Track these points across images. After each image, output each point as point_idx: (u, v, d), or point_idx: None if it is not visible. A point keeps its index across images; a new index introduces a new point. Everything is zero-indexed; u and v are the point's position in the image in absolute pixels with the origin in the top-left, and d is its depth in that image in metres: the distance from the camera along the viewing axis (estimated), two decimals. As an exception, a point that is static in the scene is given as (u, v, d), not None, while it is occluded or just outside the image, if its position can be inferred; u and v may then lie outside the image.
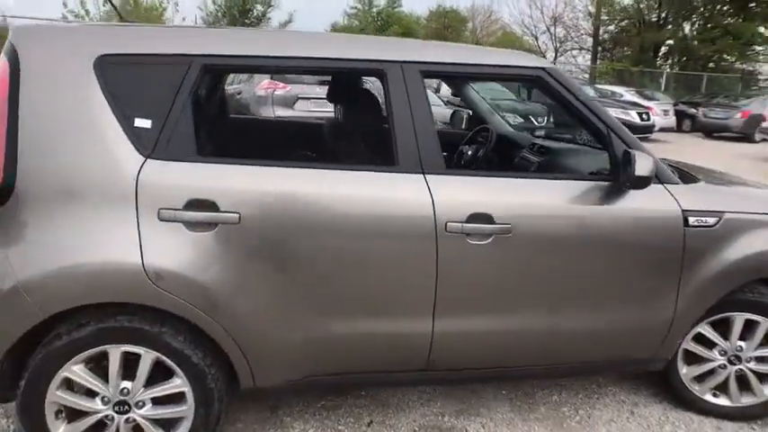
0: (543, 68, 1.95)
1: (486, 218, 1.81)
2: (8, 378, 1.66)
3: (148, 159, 1.64)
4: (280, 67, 2.18)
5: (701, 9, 18.55)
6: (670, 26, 19.26)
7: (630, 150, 1.82)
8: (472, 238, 1.81)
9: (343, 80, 2.64)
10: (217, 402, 1.78)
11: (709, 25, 18.18)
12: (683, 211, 1.98)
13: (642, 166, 1.78)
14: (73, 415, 1.73)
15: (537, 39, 22.94)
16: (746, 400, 2.27)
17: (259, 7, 23.75)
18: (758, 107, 13.86)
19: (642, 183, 1.82)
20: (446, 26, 31.48)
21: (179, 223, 1.64)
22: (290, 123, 3.57)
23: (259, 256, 1.69)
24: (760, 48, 18.40)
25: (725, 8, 18.33)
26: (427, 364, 1.93)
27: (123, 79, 1.66)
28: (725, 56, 18.91)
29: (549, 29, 22.54)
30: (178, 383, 1.73)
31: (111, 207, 1.62)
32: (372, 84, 3.92)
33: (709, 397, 2.30)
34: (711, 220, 2.01)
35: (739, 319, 2.16)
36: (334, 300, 1.79)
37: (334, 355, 1.86)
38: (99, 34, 1.79)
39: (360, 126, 2.42)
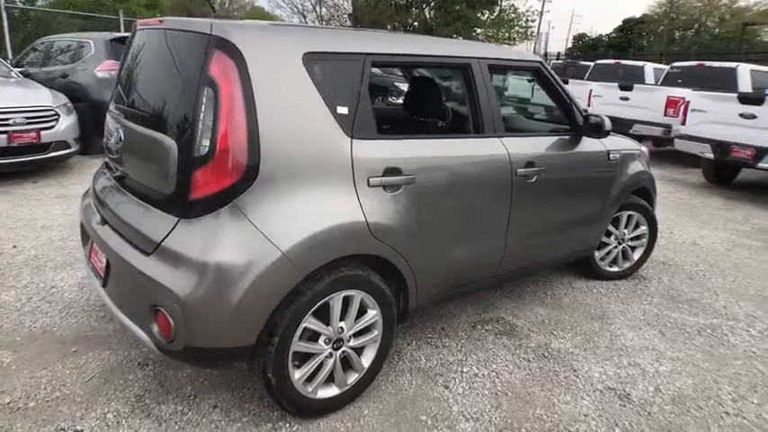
0: (540, 62, 2.91)
1: (532, 164, 2.71)
2: (266, 335, 1.89)
3: (353, 139, 2.03)
4: (415, 63, 2.60)
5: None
6: (415, 9, 22.67)
7: (599, 115, 2.95)
8: (528, 178, 2.69)
9: (449, 72, 3.09)
10: (395, 325, 2.29)
11: (443, 10, 22.03)
12: (607, 150, 3.22)
13: (607, 124, 2.93)
14: (302, 360, 2.04)
15: (305, 17, 23.88)
16: (625, 265, 3.76)
17: None
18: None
19: (606, 133, 2.98)
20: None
21: (380, 187, 2.09)
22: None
23: (425, 204, 2.26)
24: (479, 30, 23.16)
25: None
26: (498, 269, 2.77)
27: (324, 73, 1.99)
28: (458, 37, 23.59)
29: (314, 8, 23.75)
30: (373, 314, 2.19)
31: (337, 180, 1.98)
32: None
33: (607, 267, 3.72)
34: (617, 156, 3.31)
35: (625, 214, 3.59)
36: (460, 230, 2.46)
37: (456, 273, 2.54)
38: (303, 33, 2.02)
39: (460, 104, 2.99)
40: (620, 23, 45.41)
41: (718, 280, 3.90)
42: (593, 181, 3.18)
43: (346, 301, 2.09)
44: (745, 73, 8.34)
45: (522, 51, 2.87)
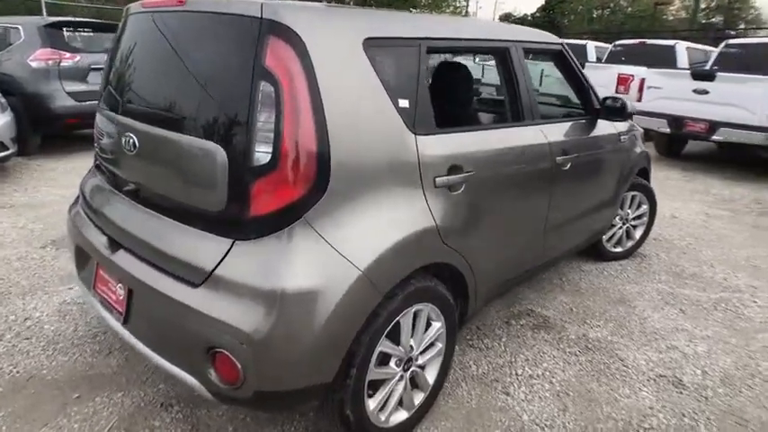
0: (562, 44, 2.78)
1: (566, 152, 2.59)
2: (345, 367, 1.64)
3: (417, 135, 1.80)
4: (464, 48, 2.33)
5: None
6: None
7: (620, 98, 2.88)
8: (563, 165, 2.57)
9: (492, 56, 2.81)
10: (456, 335, 2.11)
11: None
12: (618, 132, 3.18)
13: (629, 106, 2.86)
14: (374, 388, 1.81)
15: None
16: (628, 245, 3.79)
17: None
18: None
19: (630, 116, 2.92)
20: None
21: (446, 188, 1.88)
22: None
23: (482, 201, 2.07)
24: (415, 10, 23.19)
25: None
26: (537, 260, 2.65)
27: (384, 61, 1.73)
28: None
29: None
30: (438, 327, 2.00)
31: (407, 183, 1.75)
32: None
33: (612, 248, 3.73)
34: (626, 137, 3.28)
35: (630, 195, 3.59)
36: (510, 224, 2.31)
37: (506, 269, 2.40)
38: (361, 16, 1.73)
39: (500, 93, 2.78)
40: (543, 3, 47.02)
41: (708, 252, 4.03)
42: (610, 164, 3.13)
43: (414, 317, 1.88)
44: (682, 50, 8.77)
45: (546, 33, 2.74)
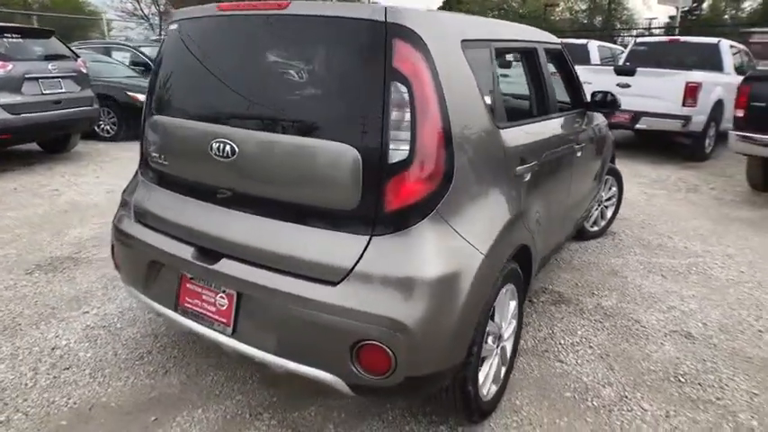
0: (561, 43, 3.08)
1: (578, 141, 2.90)
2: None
3: (499, 129, 1.96)
4: (515, 48, 2.47)
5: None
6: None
7: (609, 92, 3.23)
8: (577, 153, 2.87)
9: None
10: (522, 311, 2.30)
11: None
12: (598, 123, 3.57)
13: (618, 99, 3.23)
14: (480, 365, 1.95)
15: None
16: (602, 224, 4.23)
17: None
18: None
19: (618, 107, 3.28)
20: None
21: (519, 176, 2.06)
22: None
23: (540, 185, 2.30)
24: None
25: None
26: (562, 241, 2.94)
27: (473, 61, 1.86)
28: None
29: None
30: (514, 305, 2.17)
31: (500, 173, 1.92)
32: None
33: (590, 227, 4.15)
34: (604, 128, 3.69)
35: (605, 178, 4.02)
36: (553, 206, 2.55)
37: (549, 243, 2.64)
38: (457, 20, 1.83)
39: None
40: (442, 3, 49.02)
41: (662, 226, 4.60)
42: (601, 149, 3.50)
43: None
44: (594, 48, 9.69)
45: (551, 35, 3.01)
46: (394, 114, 1.56)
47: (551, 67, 2.84)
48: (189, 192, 1.96)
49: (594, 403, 2.21)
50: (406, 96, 1.56)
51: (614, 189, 4.18)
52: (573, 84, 3.26)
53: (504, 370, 2.17)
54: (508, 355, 2.19)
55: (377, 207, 1.60)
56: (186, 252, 1.87)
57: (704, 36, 8.64)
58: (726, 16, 39.87)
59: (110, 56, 9.82)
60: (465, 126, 1.73)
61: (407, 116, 1.56)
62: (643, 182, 6.19)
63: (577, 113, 3.14)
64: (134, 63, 10.14)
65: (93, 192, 5.15)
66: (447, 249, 1.63)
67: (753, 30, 20.94)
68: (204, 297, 1.86)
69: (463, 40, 1.82)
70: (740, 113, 5.14)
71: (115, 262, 2.25)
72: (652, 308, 3.08)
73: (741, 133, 5.15)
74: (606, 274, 3.53)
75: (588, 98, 3.26)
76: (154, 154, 2.06)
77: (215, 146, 1.80)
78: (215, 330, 1.83)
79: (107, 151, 7.13)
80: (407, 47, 1.59)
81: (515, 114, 2.32)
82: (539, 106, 2.57)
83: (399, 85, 1.56)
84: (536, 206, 2.27)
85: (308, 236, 1.68)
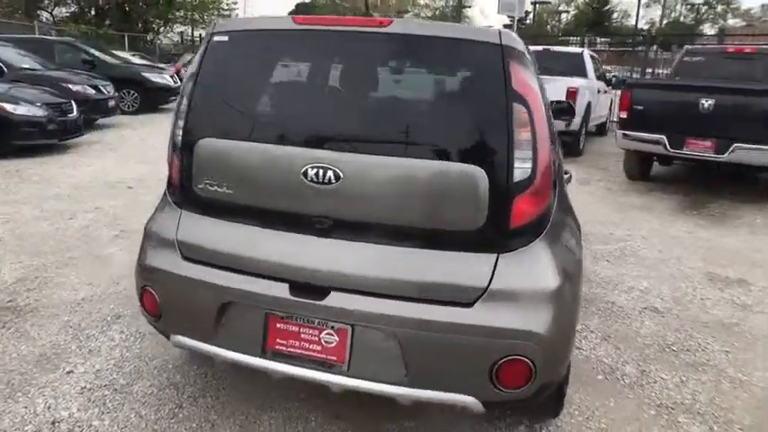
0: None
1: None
2: None
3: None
4: None
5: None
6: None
7: (567, 101, 3.60)
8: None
9: None
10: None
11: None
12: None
13: (575, 109, 3.62)
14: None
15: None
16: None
17: None
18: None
19: (574, 115, 3.67)
20: None
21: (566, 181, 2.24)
22: None
23: None
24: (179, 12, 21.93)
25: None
26: None
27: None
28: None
29: None
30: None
31: (562, 178, 2.07)
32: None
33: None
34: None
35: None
36: None
37: None
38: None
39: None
40: (294, 7, 48.68)
41: (586, 216, 5.19)
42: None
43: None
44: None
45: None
46: (518, 135, 1.60)
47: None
48: (269, 223, 1.77)
49: (626, 380, 2.49)
50: (527, 117, 1.62)
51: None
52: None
53: None
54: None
55: (502, 225, 1.63)
56: (278, 290, 1.70)
57: (533, 44, 9.89)
58: (548, 26, 45.84)
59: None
60: (555, 140, 1.84)
61: (529, 136, 1.62)
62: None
63: None
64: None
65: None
66: (561, 259, 1.72)
67: (569, 37, 24.41)
68: (304, 336, 1.71)
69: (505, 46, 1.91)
70: (624, 115, 6.03)
71: (151, 310, 1.93)
72: (616, 290, 3.51)
73: (625, 132, 6.04)
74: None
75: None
76: (210, 182, 1.82)
77: (311, 172, 1.66)
78: (323, 370, 1.69)
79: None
80: (522, 69, 1.65)
81: None
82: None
83: (520, 106, 1.61)
84: None
85: (433, 259, 1.65)
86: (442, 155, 1.63)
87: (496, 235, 1.64)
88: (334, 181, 1.66)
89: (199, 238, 1.85)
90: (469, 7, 47.76)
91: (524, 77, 1.64)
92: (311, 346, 1.71)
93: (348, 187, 1.66)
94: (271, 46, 1.79)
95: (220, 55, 1.84)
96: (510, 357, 1.60)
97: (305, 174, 1.67)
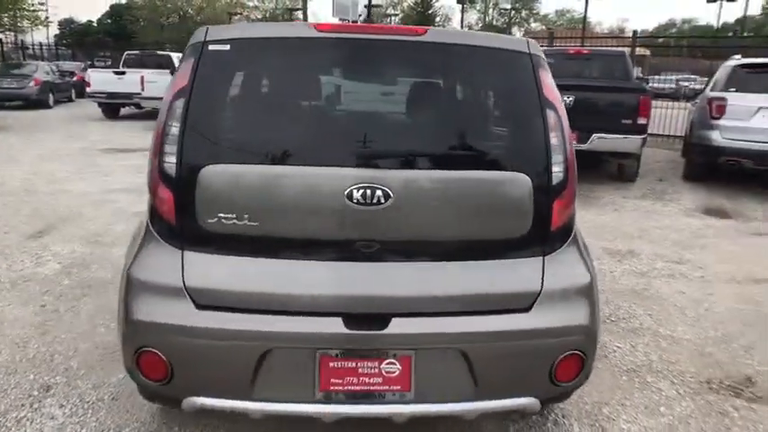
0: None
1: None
2: None
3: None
4: None
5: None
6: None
7: None
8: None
9: None
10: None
11: None
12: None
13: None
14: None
15: None
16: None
17: None
18: (43, 75, 14.54)
19: None
20: None
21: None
22: None
23: None
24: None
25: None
26: None
27: None
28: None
29: None
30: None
31: None
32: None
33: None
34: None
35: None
36: None
37: None
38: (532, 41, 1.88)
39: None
40: (108, 9, 43.84)
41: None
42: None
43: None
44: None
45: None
46: (553, 139, 1.68)
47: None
48: (308, 253, 1.59)
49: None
50: (557, 122, 1.69)
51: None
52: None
53: None
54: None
55: (545, 229, 1.69)
56: (330, 325, 1.54)
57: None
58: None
59: None
60: None
61: (561, 140, 1.70)
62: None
63: None
64: None
65: None
66: (586, 254, 1.85)
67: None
68: (361, 371, 1.58)
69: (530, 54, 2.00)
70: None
71: (153, 375, 1.59)
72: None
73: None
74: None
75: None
76: (226, 216, 1.56)
77: (356, 193, 1.53)
78: (387, 403, 1.58)
79: None
80: (548, 76, 1.72)
81: None
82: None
83: (552, 112, 1.68)
84: None
85: (487, 270, 1.65)
86: (490, 164, 1.64)
87: (540, 239, 1.70)
88: (383, 201, 1.55)
89: (218, 282, 1.58)
90: (300, 9, 47.83)
91: (551, 84, 1.72)
92: (372, 380, 1.58)
93: (399, 206, 1.57)
94: (287, 56, 1.60)
95: (221, 66, 1.59)
96: (568, 353, 1.67)
97: (349, 196, 1.53)
